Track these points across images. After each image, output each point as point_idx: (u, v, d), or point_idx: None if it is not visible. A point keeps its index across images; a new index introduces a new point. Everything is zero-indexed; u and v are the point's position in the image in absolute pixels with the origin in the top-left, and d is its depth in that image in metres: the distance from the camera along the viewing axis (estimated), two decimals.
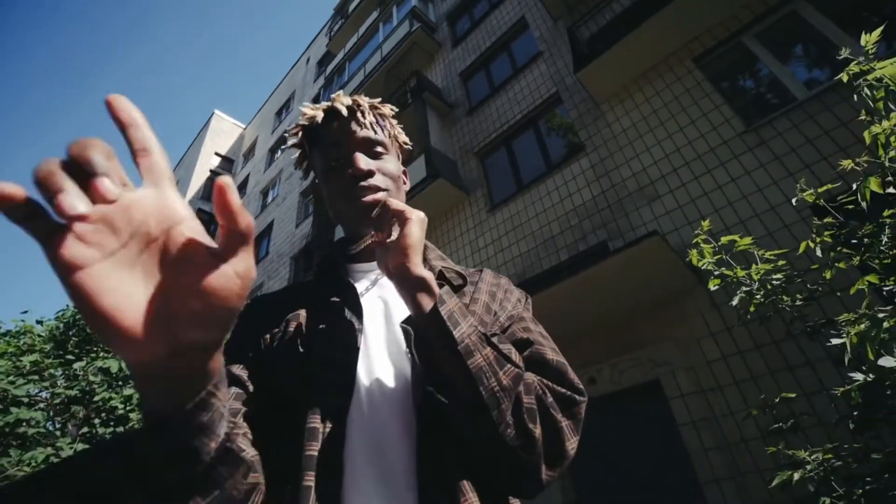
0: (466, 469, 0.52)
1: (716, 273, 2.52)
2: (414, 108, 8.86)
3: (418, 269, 0.56)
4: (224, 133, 24.90)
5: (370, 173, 0.70)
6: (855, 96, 2.03)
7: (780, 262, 2.39)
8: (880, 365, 1.52)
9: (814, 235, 2.24)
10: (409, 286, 0.55)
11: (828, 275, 2.26)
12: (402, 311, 0.65)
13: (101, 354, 4.21)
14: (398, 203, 0.60)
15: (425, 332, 0.54)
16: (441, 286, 0.58)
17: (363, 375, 0.58)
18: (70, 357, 4.16)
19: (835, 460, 1.93)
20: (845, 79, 2.05)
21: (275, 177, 17.38)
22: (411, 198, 6.83)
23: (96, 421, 3.62)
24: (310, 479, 0.48)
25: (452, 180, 7.50)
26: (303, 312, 0.64)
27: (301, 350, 0.59)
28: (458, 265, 0.79)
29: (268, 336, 0.62)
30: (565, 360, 0.63)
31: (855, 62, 2.01)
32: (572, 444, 0.55)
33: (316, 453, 0.50)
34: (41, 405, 3.54)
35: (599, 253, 5.19)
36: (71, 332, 4.41)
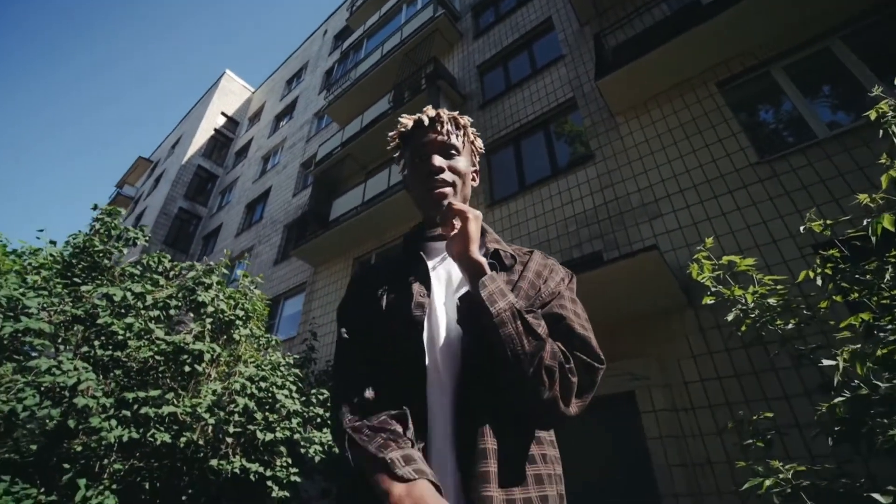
0: (493, 414, 0.71)
1: (712, 290, 2.49)
2: (427, 95, 8.75)
3: (475, 255, 0.77)
4: (233, 94, 24.68)
5: (441, 169, 0.90)
6: (880, 132, 2.00)
7: (779, 287, 2.36)
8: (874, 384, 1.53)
9: (816, 265, 2.21)
10: (467, 268, 0.77)
11: (823, 304, 2.23)
12: (461, 281, 0.86)
13: (106, 282, 4.20)
14: (460, 204, 0.82)
15: (475, 305, 0.73)
16: (493, 266, 0.84)
17: (427, 329, 0.79)
18: (76, 280, 4.22)
19: (805, 480, 1.91)
20: (873, 116, 2.02)
21: (278, 144, 17.19)
22: None
23: (96, 343, 3.66)
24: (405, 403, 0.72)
25: None
26: (390, 284, 0.88)
27: (385, 313, 0.83)
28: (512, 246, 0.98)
29: (370, 302, 0.87)
30: (591, 335, 0.79)
31: (886, 101, 1.98)
32: (585, 398, 0.72)
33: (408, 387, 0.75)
34: (47, 319, 3.55)
35: (593, 263, 5.15)
36: (80, 257, 4.43)
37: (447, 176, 0.90)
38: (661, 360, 4.31)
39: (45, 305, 3.56)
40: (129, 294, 3.82)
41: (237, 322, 4.43)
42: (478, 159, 1.05)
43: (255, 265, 12.84)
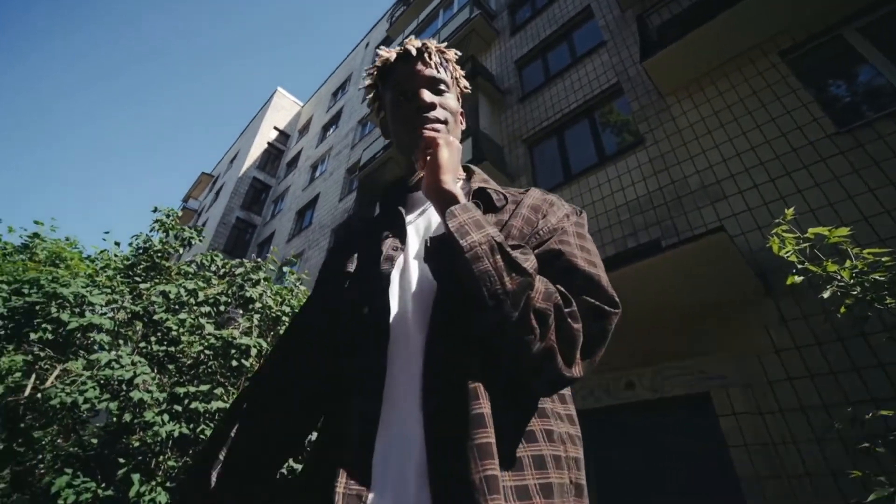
0: (475, 372, 0.54)
1: (798, 267, 2.14)
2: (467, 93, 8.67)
3: (447, 185, 0.64)
4: (284, 109, 26.31)
5: (432, 105, 0.78)
6: None
7: (885, 260, 1.98)
8: None
9: None
10: (437, 202, 0.64)
11: None
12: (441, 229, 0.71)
13: (163, 280, 4.48)
14: (431, 132, 0.74)
15: (445, 242, 0.58)
16: (478, 204, 0.68)
17: (397, 285, 0.65)
18: (137, 279, 4.49)
19: None
20: None
21: (325, 153, 17.92)
22: None
23: (153, 339, 3.89)
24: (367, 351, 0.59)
25: (497, 165, 7.24)
26: (360, 247, 0.75)
27: (351, 270, 0.71)
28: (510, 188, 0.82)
29: (346, 259, 0.74)
30: (601, 272, 0.63)
31: None
32: (595, 353, 0.56)
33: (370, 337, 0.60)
34: (109, 314, 3.83)
35: (650, 251, 4.77)
36: (141, 257, 4.74)
37: (439, 113, 0.79)
38: (737, 356, 3.84)
39: (108, 302, 3.75)
40: (182, 291, 3.98)
41: (284, 318, 4.50)
42: (461, 101, 0.92)
43: (306, 269, 13.27)
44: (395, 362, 0.57)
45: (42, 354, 3.55)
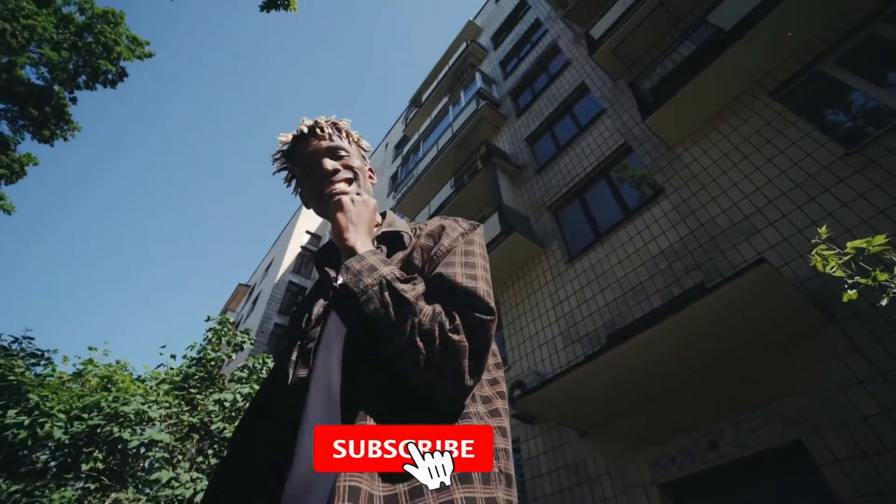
0: (377, 394, 0.60)
1: (848, 282, 2.28)
2: (485, 173, 9.39)
3: (348, 241, 0.74)
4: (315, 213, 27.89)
5: (335, 170, 0.88)
6: None
7: None
8: None
9: None
10: (344, 254, 0.73)
11: None
12: None
13: (217, 389, 4.64)
14: (336, 192, 0.84)
15: (346, 292, 0.66)
16: (381, 249, 0.80)
17: (324, 345, 0.69)
18: (193, 391, 4.66)
19: None
20: None
21: None
22: (489, 251, 6.99)
23: (209, 452, 3.87)
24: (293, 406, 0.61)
25: (527, 234, 7.61)
26: (305, 306, 0.83)
27: (291, 327, 0.83)
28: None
29: (291, 326, 0.85)
30: (479, 283, 0.70)
31: None
32: (479, 358, 0.62)
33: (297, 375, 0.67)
34: (166, 429, 3.90)
35: (697, 295, 4.84)
36: (195, 368, 4.94)
37: (343, 174, 0.89)
38: (819, 394, 3.62)
39: (165, 417, 3.89)
40: (238, 396, 4.13)
41: None
42: (368, 160, 1.03)
43: None
44: (314, 402, 0.59)
45: (92, 487, 3.57)
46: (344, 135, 0.96)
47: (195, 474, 3.44)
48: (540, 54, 11.82)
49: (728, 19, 5.80)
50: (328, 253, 0.90)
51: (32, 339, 5.71)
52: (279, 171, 0.98)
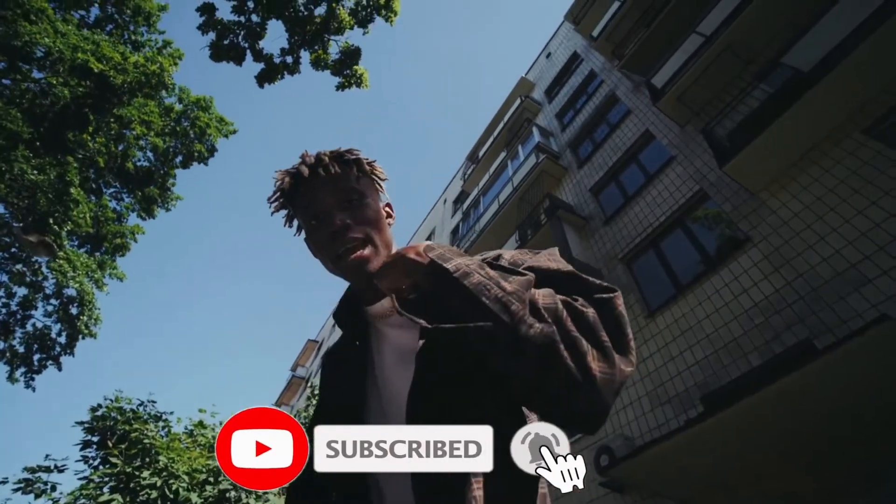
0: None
1: None
2: (551, 226, 9.45)
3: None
4: None
5: (345, 227, 0.71)
6: None
7: None
8: None
9: None
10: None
11: None
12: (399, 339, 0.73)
13: None
14: (348, 259, 0.71)
15: (432, 291, 0.59)
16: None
17: (376, 401, 0.70)
18: None
19: None
20: None
21: None
22: None
23: None
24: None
25: None
26: (333, 385, 0.83)
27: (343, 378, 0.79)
28: None
29: (334, 390, 0.82)
30: (577, 271, 0.65)
31: None
32: (625, 335, 0.55)
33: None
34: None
35: (803, 353, 4.43)
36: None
37: (356, 232, 0.72)
38: None
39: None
40: None
41: None
42: (384, 191, 0.84)
43: None
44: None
45: None
46: (353, 170, 0.77)
47: None
48: (598, 105, 11.99)
49: (806, 59, 5.64)
50: (350, 310, 0.83)
51: (155, 402, 6.45)
52: (277, 211, 0.80)
